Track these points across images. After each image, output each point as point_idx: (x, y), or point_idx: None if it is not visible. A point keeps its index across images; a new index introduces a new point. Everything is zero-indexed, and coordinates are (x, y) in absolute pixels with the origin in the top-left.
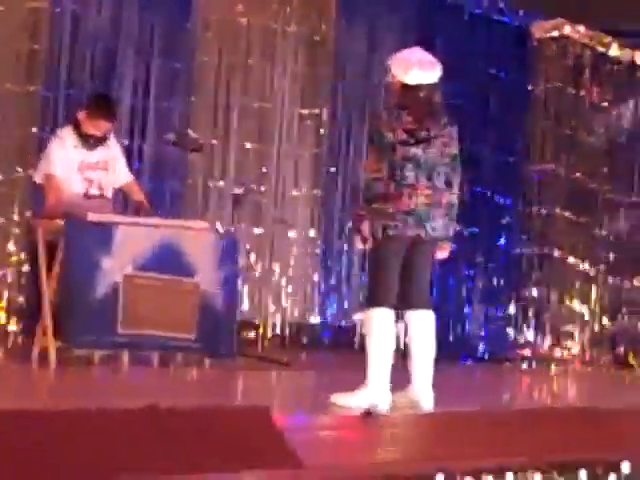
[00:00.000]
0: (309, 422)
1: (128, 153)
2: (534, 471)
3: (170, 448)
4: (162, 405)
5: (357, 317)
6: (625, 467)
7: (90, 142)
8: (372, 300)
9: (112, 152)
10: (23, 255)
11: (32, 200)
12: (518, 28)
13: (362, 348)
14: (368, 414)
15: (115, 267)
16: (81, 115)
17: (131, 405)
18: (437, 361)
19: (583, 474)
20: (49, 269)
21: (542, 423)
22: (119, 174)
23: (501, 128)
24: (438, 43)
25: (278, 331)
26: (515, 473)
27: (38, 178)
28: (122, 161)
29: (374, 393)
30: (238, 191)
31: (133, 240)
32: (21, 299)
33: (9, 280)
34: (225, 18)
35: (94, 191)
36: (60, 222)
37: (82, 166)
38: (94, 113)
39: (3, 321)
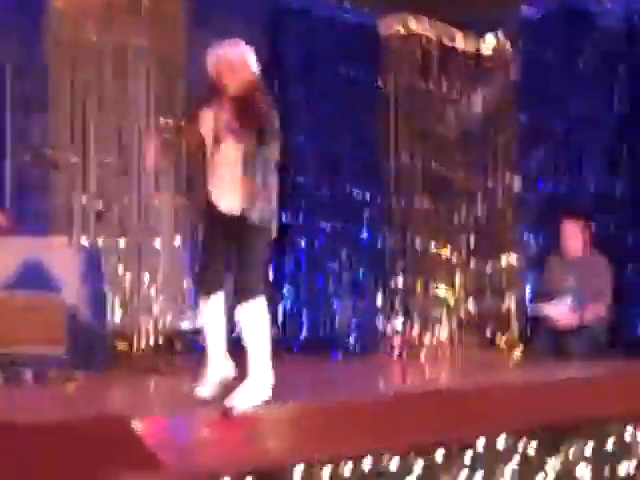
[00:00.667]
0: (172, 425)
1: None
2: (391, 455)
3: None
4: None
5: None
6: (480, 444)
7: None
8: (259, 289)
9: None
10: None
11: None
12: (364, 26)
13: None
14: (229, 412)
15: None
16: None
17: None
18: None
19: (440, 454)
20: None
21: (399, 409)
22: None
23: (355, 125)
24: (288, 48)
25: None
26: (373, 458)
27: None
28: None
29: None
30: (99, 206)
31: None
32: None
33: None
34: (76, 36)
35: None
36: None
37: None
38: None
39: None
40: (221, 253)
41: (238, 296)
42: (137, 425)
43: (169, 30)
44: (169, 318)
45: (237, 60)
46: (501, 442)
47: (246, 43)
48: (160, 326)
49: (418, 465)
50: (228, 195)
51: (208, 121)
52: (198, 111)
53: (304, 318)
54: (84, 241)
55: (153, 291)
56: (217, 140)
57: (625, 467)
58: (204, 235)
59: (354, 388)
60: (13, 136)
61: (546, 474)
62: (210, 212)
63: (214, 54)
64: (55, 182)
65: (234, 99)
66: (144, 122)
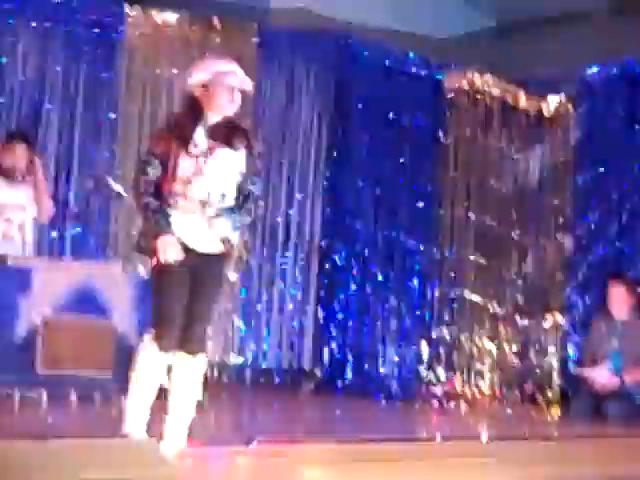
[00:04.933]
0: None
1: (54, 199)
2: None
3: None
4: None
5: None
6: None
7: (10, 176)
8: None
9: (33, 191)
10: None
11: None
12: (429, 79)
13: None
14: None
15: (34, 309)
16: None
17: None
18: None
19: None
20: None
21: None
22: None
23: (414, 175)
24: (353, 94)
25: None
26: None
27: None
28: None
29: None
30: None
31: (51, 282)
32: None
33: None
34: (147, 70)
35: (14, 233)
36: None
37: (2, 209)
38: (8, 140)
39: None
40: (183, 301)
41: (192, 346)
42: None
43: (239, 66)
44: (217, 351)
45: (248, 92)
46: None
47: (311, 85)
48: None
49: None
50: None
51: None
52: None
53: (349, 361)
54: (141, 270)
55: None
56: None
57: None
58: (166, 280)
59: (389, 431)
60: (80, 164)
61: None
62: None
63: (232, 72)
64: (117, 211)
65: (225, 121)
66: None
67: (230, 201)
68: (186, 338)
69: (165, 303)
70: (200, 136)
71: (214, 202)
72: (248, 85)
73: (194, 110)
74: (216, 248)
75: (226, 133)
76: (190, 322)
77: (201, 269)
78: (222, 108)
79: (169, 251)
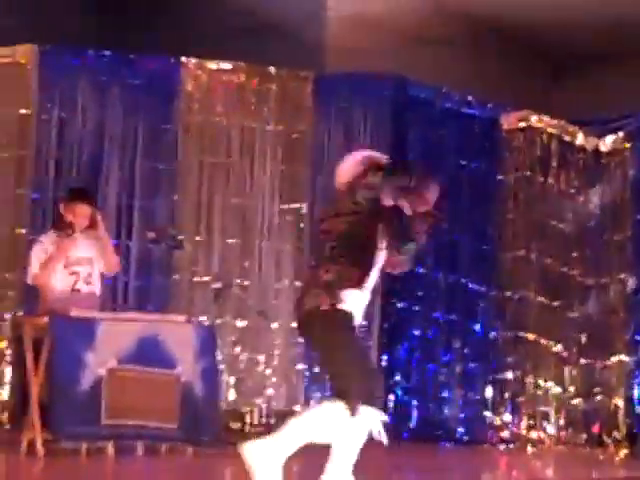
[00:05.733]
0: None
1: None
2: None
3: None
4: None
5: None
6: None
7: (71, 232)
8: None
9: (98, 245)
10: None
11: (24, 299)
12: (487, 120)
13: None
14: None
15: (98, 361)
16: (61, 207)
17: None
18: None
19: None
20: (36, 364)
21: None
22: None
23: (474, 217)
24: (411, 137)
25: (264, 420)
26: None
27: (29, 279)
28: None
29: None
30: (218, 285)
31: (115, 334)
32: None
33: (2, 377)
34: (205, 119)
35: (81, 286)
36: (45, 319)
37: (67, 262)
38: (69, 198)
39: None
40: None
41: None
42: None
43: (296, 113)
44: (282, 399)
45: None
46: None
47: (369, 130)
48: (273, 406)
49: None
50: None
51: None
52: None
53: (414, 407)
54: (203, 320)
55: (268, 371)
56: None
57: None
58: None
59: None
60: (140, 214)
61: None
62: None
63: None
64: (178, 261)
65: None
66: (268, 204)
67: None
68: None
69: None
70: None
71: None
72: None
73: None
74: None
75: None
76: None
77: None
78: None
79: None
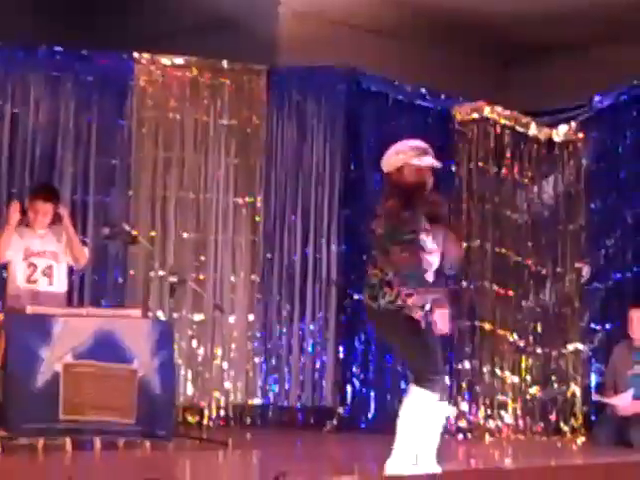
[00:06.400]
0: None
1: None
2: None
3: None
4: None
5: None
6: None
7: (31, 222)
8: None
9: (64, 240)
10: None
11: None
12: (440, 112)
13: None
14: None
15: (55, 357)
16: (25, 203)
17: None
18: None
19: None
20: None
21: None
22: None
23: None
24: (364, 130)
25: (223, 413)
26: None
27: None
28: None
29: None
30: (173, 279)
31: (71, 330)
32: None
33: None
34: (159, 114)
35: (39, 277)
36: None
37: (26, 254)
38: (31, 196)
39: None
40: None
41: None
42: None
43: (249, 107)
44: (240, 393)
45: None
46: None
47: (322, 123)
48: (231, 400)
49: None
50: None
51: None
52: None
53: (372, 398)
54: (160, 315)
55: (225, 365)
56: None
57: None
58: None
59: None
60: (95, 210)
61: None
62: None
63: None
64: (133, 257)
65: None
66: (223, 198)
67: None
68: None
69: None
70: None
71: None
72: None
73: None
74: None
75: None
76: None
77: None
78: None
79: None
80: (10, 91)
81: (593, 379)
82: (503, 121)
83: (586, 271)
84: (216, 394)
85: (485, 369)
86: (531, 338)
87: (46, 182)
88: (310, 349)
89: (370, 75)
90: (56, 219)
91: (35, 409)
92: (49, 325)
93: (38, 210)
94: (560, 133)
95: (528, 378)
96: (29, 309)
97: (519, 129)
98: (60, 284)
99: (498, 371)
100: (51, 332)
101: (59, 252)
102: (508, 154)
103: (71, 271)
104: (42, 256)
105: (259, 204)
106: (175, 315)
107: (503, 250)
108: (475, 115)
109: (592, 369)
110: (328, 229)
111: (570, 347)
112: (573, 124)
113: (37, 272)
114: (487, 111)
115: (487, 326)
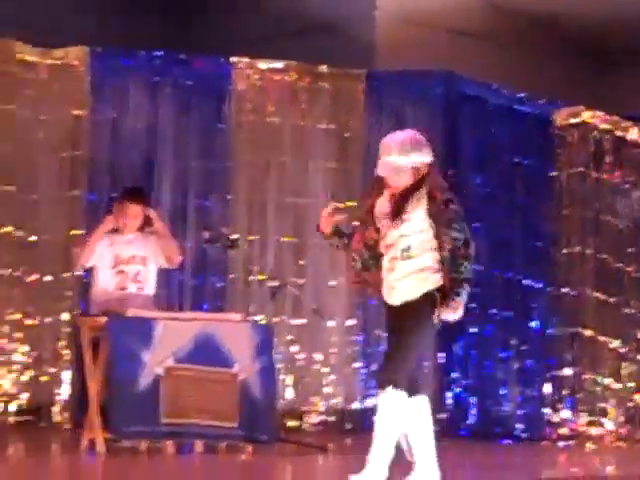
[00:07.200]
0: None
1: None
2: None
3: None
4: None
5: None
6: None
7: (123, 233)
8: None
9: (154, 242)
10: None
11: (80, 299)
12: (539, 116)
13: None
14: None
15: (156, 360)
16: (114, 208)
17: None
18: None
19: None
20: (95, 364)
21: None
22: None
23: (528, 214)
24: (463, 135)
25: (323, 418)
26: None
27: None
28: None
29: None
30: (273, 284)
31: (172, 334)
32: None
33: (62, 377)
34: (257, 118)
35: (129, 285)
36: (103, 319)
37: (115, 262)
38: (120, 199)
39: (58, 418)
40: None
41: None
42: None
43: (348, 112)
44: (340, 397)
45: None
46: None
47: (420, 127)
48: (331, 404)
49: None
50: None
51: None
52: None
53: (472, 404)
54: (258, 318)
55: (326, 370)
56: None
57: None
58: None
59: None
60: (194, 214)
61: None
62: None
63: None
64: (233, 261)
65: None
66: (322, 202)
67: None
68: None
69: None
70: None
71: None
72: None
73: None
74: None
75: None
76: None
77: None
78: None
79: None
80: (110, 96)
81: None
82: (602, 125)
83: None
84: (316, 399)
85: (586, 376)
86: (633, 345)
87: (133, 185)
88: None
89: (467, 79)
90: (145, 223)
91: (138, 412)
92: (150, 328)
93: (127, 213)
94: None
95: (630, 385)
96: (130, 312)
97: (619, 133)
98: (148, 288)
99: (599, 378)
100: (152, 335)
101: (148, 256)
102: (608, 159)
103: (167, 273)
104: (131, 262)
105: None
106: (275, 319)
107: (604, 256)
108: (574, 120)
109: None
110: None
111: None
112: None
113: (128, 280)
114: (587, 115)
115: (588, 333)
